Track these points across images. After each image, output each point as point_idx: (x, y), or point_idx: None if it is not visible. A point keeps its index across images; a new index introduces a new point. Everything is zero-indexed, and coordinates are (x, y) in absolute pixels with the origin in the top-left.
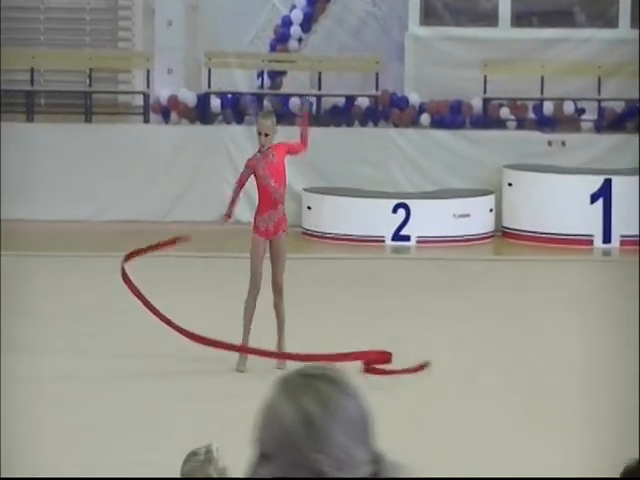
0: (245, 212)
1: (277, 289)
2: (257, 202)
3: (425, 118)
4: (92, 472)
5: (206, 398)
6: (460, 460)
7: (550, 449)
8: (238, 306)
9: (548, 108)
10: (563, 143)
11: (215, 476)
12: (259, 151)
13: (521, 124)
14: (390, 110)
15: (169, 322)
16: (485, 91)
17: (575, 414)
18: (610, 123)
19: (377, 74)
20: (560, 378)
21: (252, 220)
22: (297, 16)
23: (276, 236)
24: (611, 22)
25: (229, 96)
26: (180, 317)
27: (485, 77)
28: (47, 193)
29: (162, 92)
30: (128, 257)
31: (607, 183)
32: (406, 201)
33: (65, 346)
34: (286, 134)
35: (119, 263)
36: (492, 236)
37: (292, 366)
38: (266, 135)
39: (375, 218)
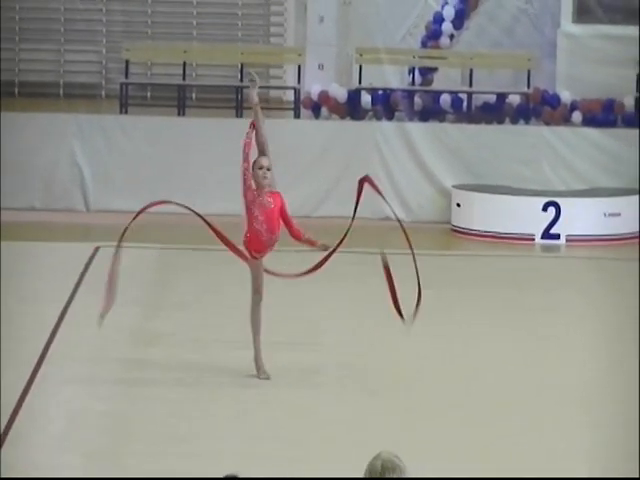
0: (397, 208)
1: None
2: (246, 231)
3: (577, 116)
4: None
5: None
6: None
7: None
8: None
9: None
10: None
11: None
12: (256, 187)
13: None
14: (541, 108)
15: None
16: (638, 90)
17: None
18: None
19: (529, 71)
20: None
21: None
22: (449, 12)
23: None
24: None
25: (380, 92)
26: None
27: (638, 75)
28: (198, 187)
29: (313, 87)
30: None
31: None
32: (556, 199)
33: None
34: (435, 130)
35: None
36: None
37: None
38: (268, 170)
39: (525, 216)
